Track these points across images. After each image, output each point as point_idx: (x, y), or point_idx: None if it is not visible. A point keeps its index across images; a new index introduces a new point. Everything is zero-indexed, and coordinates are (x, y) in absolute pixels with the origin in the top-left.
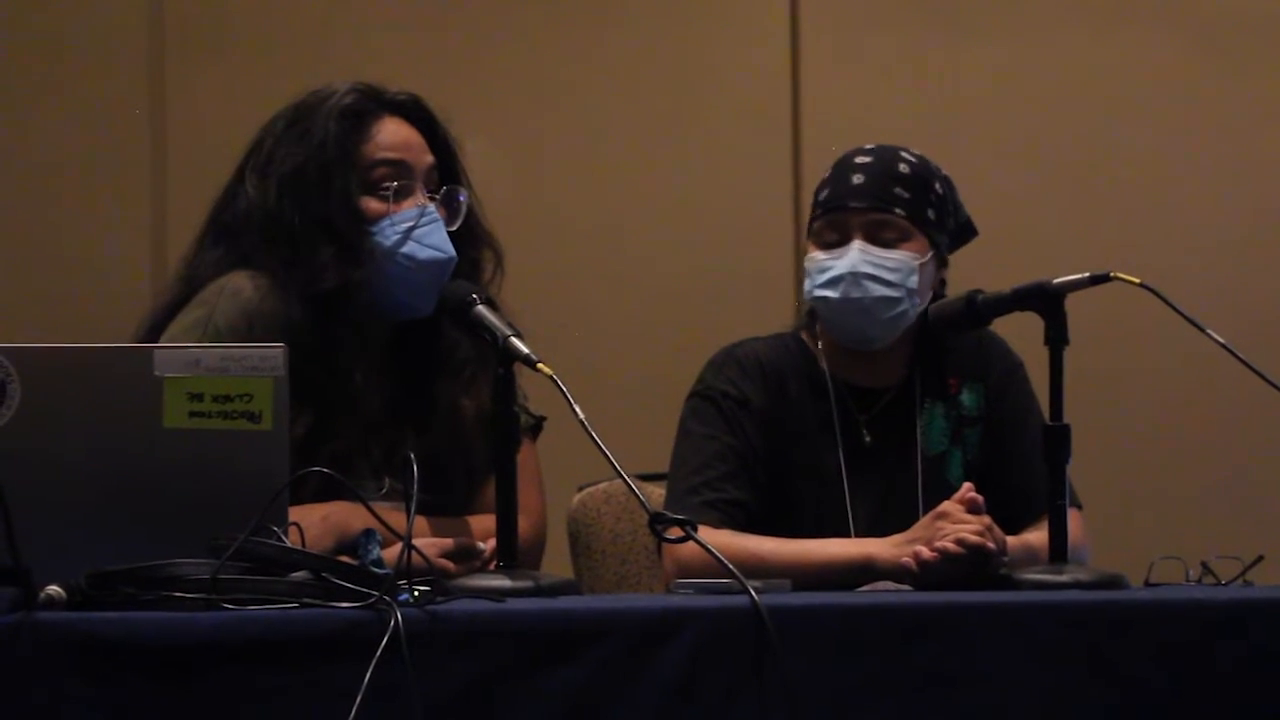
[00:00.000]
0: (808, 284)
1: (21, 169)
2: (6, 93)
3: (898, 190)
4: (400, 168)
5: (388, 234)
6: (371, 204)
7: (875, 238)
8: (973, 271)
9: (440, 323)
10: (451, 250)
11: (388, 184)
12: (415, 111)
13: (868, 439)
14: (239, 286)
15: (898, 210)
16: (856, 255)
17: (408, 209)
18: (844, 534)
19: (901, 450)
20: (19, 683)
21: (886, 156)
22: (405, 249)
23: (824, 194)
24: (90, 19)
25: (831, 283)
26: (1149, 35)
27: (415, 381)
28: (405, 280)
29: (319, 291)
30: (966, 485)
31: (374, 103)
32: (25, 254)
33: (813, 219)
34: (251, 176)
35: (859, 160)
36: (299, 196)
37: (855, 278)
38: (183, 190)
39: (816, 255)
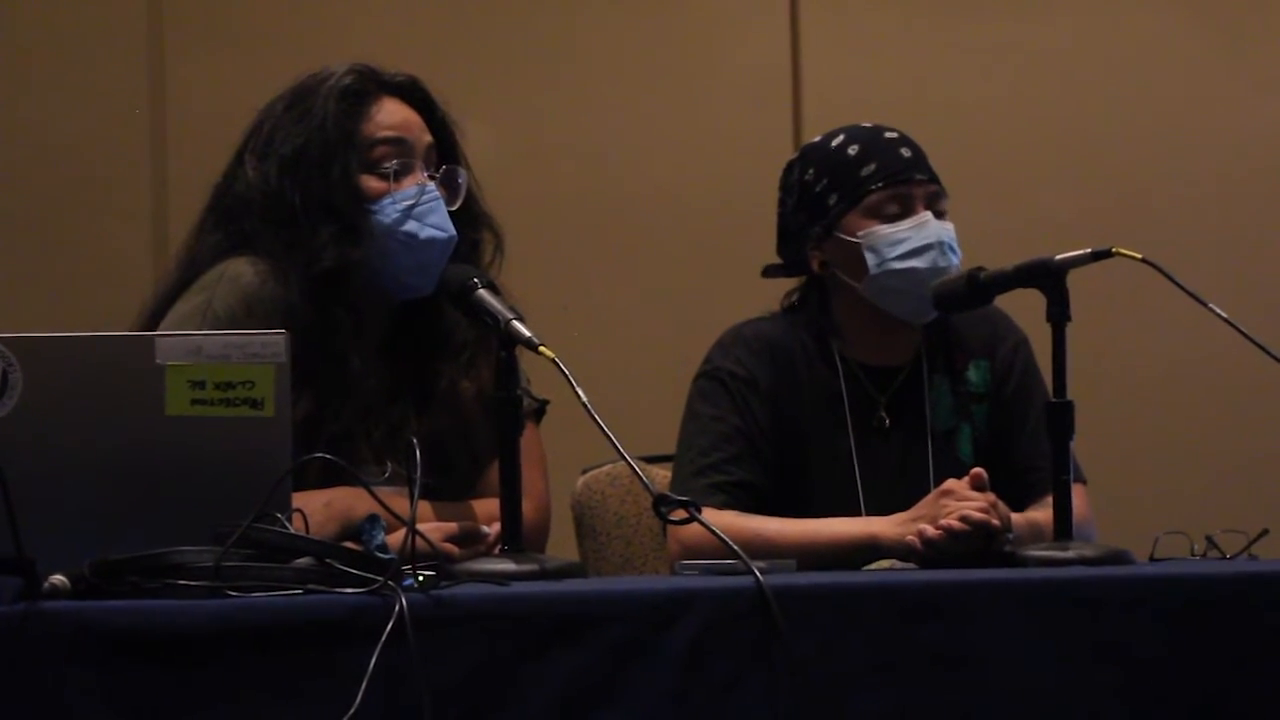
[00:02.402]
0: (874, 257)
1: (22, 158)
2: (7, 82)
3: (932, 166)
4: (401, 146)
5: (388, 212)
6: (372, 183)
7: (935, 210)
8: (974, 248)
9: (440, 304)
10: (452, 229)
11: (388, 163)
12: (414, 92)
13: (886, 421)
14: (238, 272)
15: (941, 185)
16: (939, 225)
17: (408, 187)
18: (855, 513)
19: (912, 427)
20: (24, 672)
21: (908, 135)
22: (406, 227)
23: (870, 168)
24: (90, 8)
25: (915, 253)
26: (1150, 10)
27: (415, 363)
28: (406, 259)
29: (318, 271)
30: (976, 471)
31: (373, 83)
32: (27, 244)
33: (859, 193)
34: (251, 159)
35: (892, 136)
36: (299, 177)
37: (942, 247)
38: (183, 179)
39: (882, 228)
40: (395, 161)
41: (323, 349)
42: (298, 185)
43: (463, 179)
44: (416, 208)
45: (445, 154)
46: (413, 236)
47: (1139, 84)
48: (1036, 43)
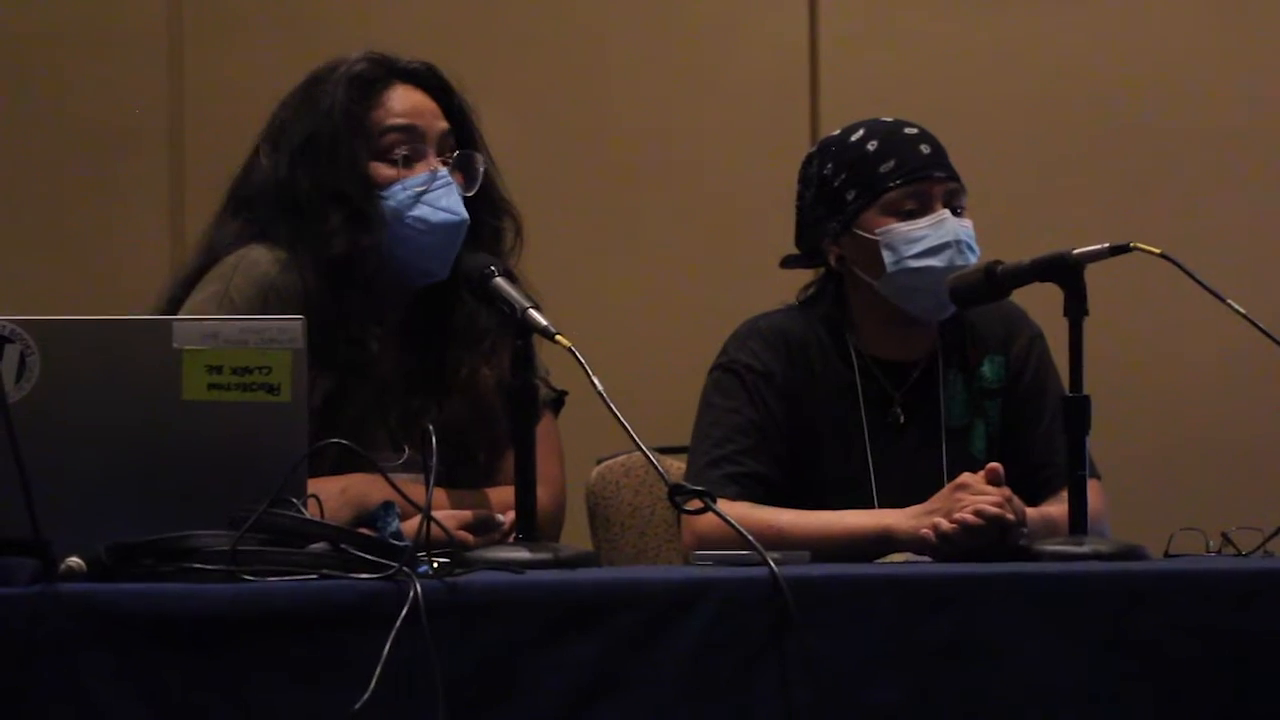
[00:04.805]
0: (891, 255)
1: (41, 148)
2: (26, 72)
3: (951, 163)
4: (411, 133)
5: (398, 198)
6: (382, 170)
7: (954, 207)
8: (992, 242)
9: (460, 292)
10: (464, 213)
11: (397, 150)
12: (429, 79)
13: (901, 417)
14: (255, 260)
15: (961, 181)
16: (956, 224)
17: (419, 174)
18: (867, 506)
19: (926, 424)
20: (40, 654)
21: (928, 130)
22: (416, 212)
23: (889, 164)
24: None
25: (932, 251)
26: (1172, 3)
27: (436, 351)
28: (418, 244)
29: (330, 258)
30: (991, 465)
31: (385, 70)
32: (46, 231)
33: (877, 190)
34: (265, 148)
35: (911, 132)
36: (309, 164)
37: (959, 245)
38: (200, 169)
39: (899, 226)
40: (405, 148)
41: (340, 332)
42: (307, 173)
43: (480, 164)
44: (427, 193)
45: (463, 140)
46: (423, 221)
47: (1160, 79)
48: (1056, 36)
